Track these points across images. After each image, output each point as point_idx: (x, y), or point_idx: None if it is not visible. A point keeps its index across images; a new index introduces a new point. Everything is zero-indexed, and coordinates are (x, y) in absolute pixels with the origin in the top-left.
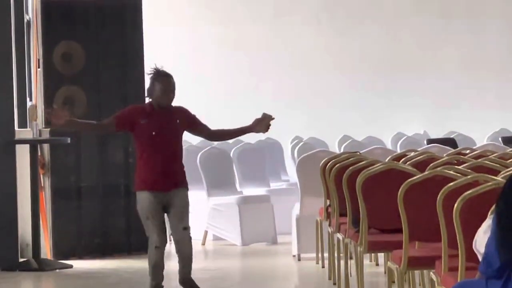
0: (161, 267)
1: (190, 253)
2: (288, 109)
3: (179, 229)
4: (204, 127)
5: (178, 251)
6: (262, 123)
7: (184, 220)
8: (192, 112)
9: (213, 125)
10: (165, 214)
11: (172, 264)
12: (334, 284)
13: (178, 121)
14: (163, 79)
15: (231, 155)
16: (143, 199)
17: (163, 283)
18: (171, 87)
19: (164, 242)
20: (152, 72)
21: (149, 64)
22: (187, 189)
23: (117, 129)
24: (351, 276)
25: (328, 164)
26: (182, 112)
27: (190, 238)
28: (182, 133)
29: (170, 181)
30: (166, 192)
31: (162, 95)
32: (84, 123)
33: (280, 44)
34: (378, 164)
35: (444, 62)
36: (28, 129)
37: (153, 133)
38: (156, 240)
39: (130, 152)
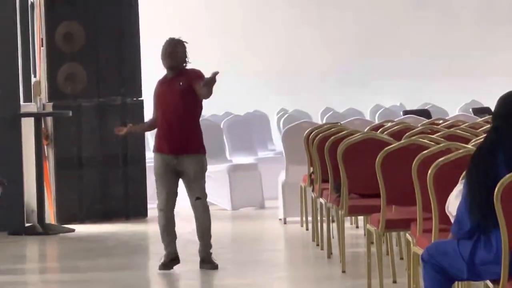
0: (169, 232)
1: (207, 224)
2: (274, 83)
3: (192, 200)
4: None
5: (195, 222)
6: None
7: (196, 189)
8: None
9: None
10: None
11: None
12: (317, 245)
13: (181, 83)
14: (165, 42)
15: (222, 126)
16: (155, 161)
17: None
18: (171, 48)
19: (169, 206)
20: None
21: (145, 40)
22: (202, 155)
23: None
24: (333, 238)
25: (311, 134)
26: (190, 74)
27: (206, 208)
28: (189, 96)
29: (176, 145)
30: (174, 156)
31: (163, 57)
32: (146, 126)
33: (267, 23)
34: (357, 134)
35: (417, 38)
36: (33, 103)
37: (159, 97)
38: (160, 202)
39: (129, 124)
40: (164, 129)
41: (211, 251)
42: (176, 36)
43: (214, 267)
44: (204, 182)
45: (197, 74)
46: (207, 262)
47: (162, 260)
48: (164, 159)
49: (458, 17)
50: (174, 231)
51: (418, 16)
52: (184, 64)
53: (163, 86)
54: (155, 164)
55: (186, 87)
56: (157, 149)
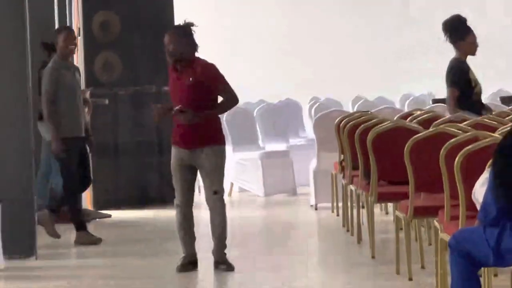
0: (186, 230)
1: (223, 223)
2: (306, 72)
3: (209, 193)
4: (222, 95)
5: (210, 221)
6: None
7: (213, 182)
8: (221, 74)
9: (236, 82)
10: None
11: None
12: (348, 231)
13: (190, 79)
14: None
15: (254, 114)
16: (172, 154)
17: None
18: (168, 41)
19: (186, 201)
20: None
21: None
22: (220, 146)
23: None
24: (363, 224)
25: (342, 122)
26: (203, 69)
27: (223, 205)
28: (200, 93)
29: (189, 140)
30: (190, 150)
31: (166, 53)
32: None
33: (302, 16)
34: (387, 122)
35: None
36: None
37: (170, 90)
38: (177, 198)
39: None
40: (177, 123)
41: (225, 251)
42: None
43: (231, 268)
44: (223, 175)
45: (213, 75)
46: (222, 263)
47: (180, 261)
48: (180, 152)
49: (486, 10)
50: (192, 231)
51: (447, 7)
52: (192, 53)
53: (173, 78)
54: (172, 157)
55: (196, 83)
56: (173, 142)
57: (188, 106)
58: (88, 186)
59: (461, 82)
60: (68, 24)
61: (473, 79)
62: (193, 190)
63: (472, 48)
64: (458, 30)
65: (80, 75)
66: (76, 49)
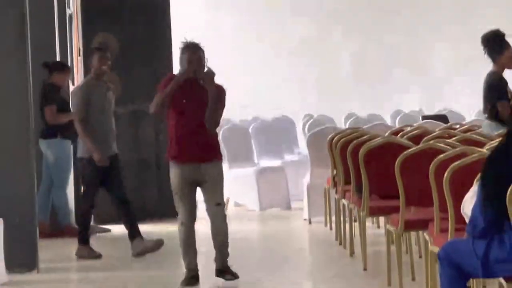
0: (191, 245)
1: (225, 233)
2: (300, 90)
3: (212, 205)
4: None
5: (212, 231)
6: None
7: (217, 195)
8: (226, 98)
9: (231, 103)
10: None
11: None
12: (340, 244)
13: (211, 93)
14: (185, 48)
15: (250, 130)
16: (173, 172)
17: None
18: (196, 55)
19: (191, 218)
20: (182, 45)
21: (177, 50)
22: (220, 161)
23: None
24: (355, 237)
25: (335, 139)
26: (219, 90)
27: (225, 215)
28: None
29: (201, 153)
30: (198, 164)
31: (190, 64)
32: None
33: (292, 32)
34: (378, 138)
35: (436, 47)
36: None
37: (184, 101)
38: (182, 216)
39: (161, 129)
40: (185, 136)
41: (228, 259)
42: (195, 40)
43: (235, 277)
44: (223, 188)
45: (222, 96)
46: (227, 273)
47: (183, 276)
48: (184, 169)
49: (476, 29)
50: (195, 246)
51: (436, 28)
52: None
53: (185, 91)
54: (174, 175)
55: (213, 100)
56: (176, 158)
57: (203, 113)
58: (126, 205)
59: (505, 94)
60: (68, 45)
61: (509, 91)
62: (195, 206)
63: (509, 62)
64: (496, 44)
65: (113, 94)
66: (108, 69)
